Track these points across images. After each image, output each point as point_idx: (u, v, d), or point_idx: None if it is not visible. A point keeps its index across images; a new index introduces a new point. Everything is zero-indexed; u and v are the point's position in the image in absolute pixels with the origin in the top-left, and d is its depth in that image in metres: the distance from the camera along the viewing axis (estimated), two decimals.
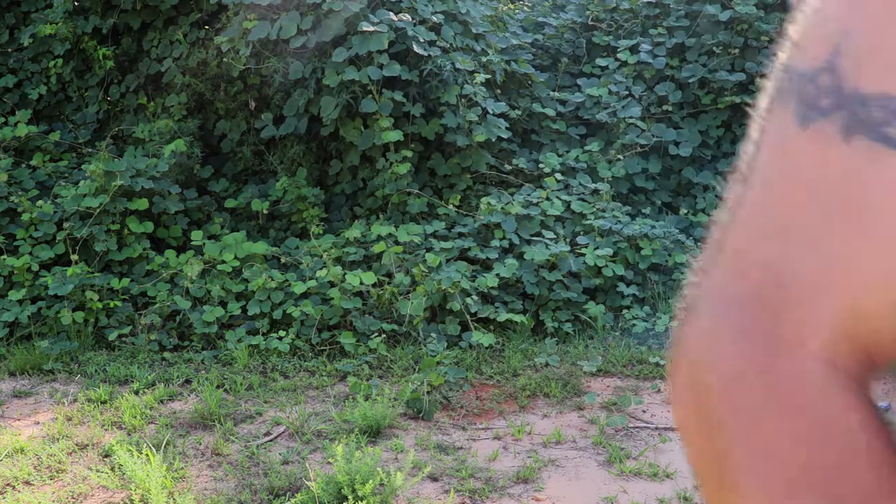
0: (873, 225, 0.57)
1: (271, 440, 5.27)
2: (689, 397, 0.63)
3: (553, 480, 4.74)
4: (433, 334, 6.46)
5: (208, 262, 7.18)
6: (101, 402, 5.77)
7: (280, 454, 5.06)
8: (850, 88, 0.58)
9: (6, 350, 6.66)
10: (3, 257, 7.20)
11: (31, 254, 7.26)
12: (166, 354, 6.57)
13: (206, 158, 8.38)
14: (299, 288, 6.75)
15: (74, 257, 7.11)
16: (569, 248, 6.99)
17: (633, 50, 8.62)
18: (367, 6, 7.49)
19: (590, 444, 5.15)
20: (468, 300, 6.61)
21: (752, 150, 0.65)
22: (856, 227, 0.58)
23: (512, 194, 7.65)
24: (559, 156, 8.08)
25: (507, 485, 4.69)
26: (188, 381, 6.14)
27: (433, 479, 4.74)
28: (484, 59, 7.95)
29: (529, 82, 8.45)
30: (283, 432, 5.36)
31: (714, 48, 8.33)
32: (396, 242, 7.07)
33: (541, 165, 7.85)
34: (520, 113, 8.21)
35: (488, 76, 7.78)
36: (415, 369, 6.11)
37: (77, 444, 5.18)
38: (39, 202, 7.45)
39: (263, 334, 6.66)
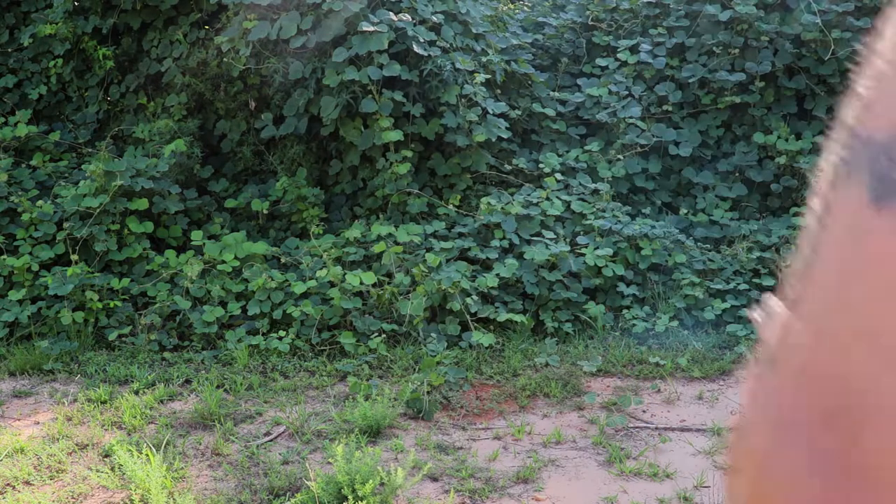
0: None
1: (271, 440, 5.27)
2: None
3: (553, 480, 4.74)
4: (433, 334, 6.46)
5: (208, 262, 7.18)
6: (101, 402, 5.77)
7: (280, 454, 5.06)
8: None
9: (6, 350, 6.66)
10: (3, 257, 7.20)
11: (31, 254, 7.26)
12: (166, 354, 6.57)
13: (206, 158, 8.38)
14: (299, 288, 6.75)
15: (74, 257, 7.11)
16: (569, 248, 6.98)
17: (633, 50, 8.62)
18: (367, 6, 7.49)
19: (590, 444, 5.15)
20: (468, 300, 6.61)
21: (815, 230, 0.57)
22: None
23: (512, 194, 7.65)
24: (559, 156, 8.08)
25: (507, 485, 4.69)
26: (188, 381, 6.14)
27: (433, 479, 4.74)
28: (484, 59, 7.95)
29: (529, 82, 8.45)
30: (283, 432, 5.36)
31: (714, 48, 8.32)
32: (396, 242, 7.07)
33: (541, 165, 7.85)
34: (520, 113, 8.21)
35: (488, 76, 7.78)
36: (415, 369, 6.11)
37: (77, 444, 5.18)
38: (39, 202, 7.45)
39: (263, 334, 6.66)
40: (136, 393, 5.91)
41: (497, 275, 6.83)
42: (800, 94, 8.32)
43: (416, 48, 7.36)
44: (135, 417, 5.50)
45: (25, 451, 5.07)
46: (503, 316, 6.64)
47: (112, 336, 6.71)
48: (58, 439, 5.25)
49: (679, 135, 8.16)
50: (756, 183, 7.99)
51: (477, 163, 7.71)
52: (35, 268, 7.13)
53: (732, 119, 8.31)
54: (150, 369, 6.32)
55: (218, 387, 5.93)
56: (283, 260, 7.30)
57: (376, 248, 6.98)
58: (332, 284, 6.79)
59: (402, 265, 6.91)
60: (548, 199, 7.48)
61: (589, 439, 5.21)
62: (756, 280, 7.02)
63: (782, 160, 7.80)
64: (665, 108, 8.25)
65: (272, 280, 6.89)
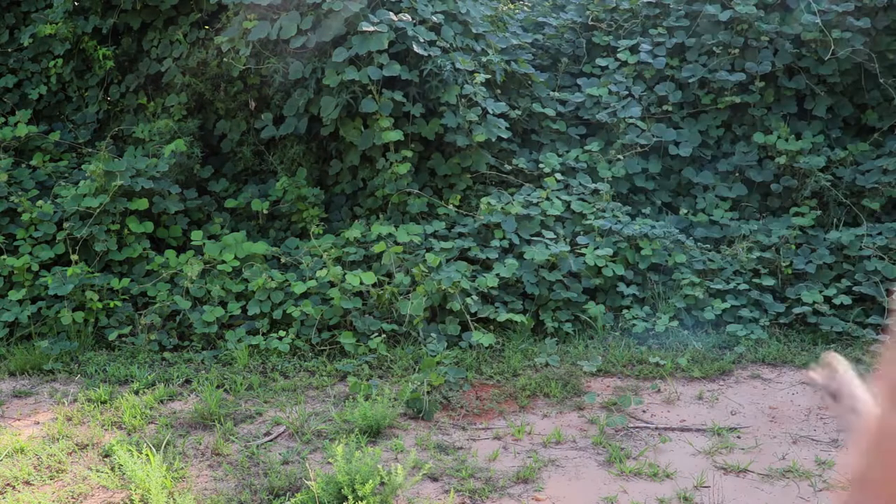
0: None
1: (271, 440, 5.27)
2: None
3: (553, 480, 4.74)
4: (433, 334, 6.46)
5: (208, 262, 7.18)
6: (101, 402, 5.77)
7: (280, 454, 5.06)
8: None
9: (6, 350, 6.66)
10: (3, 257, 7.20)
11: (31, 254, 7.27)
12: (166, 354, 6.57)
13: (206, 158, 8.39)
14: (299, 288, 6.76)
15: (74, 257, 7.11)
16: (569, 248, 6.99)
17: (633, 50, 8.62)
18: (367, 6, 7.49)
19: (590, 444, 5.15)
20: (468, 300, 6.61)
21: (888, 412, 0.52)
22: None
23: (512, 194, 7.65)
24: (559, 156, 8.08)
25: (507, 485, 4.69)
26: (188, 381, 6.14)
27: (433, 478, 4.74)
28: (484, 59, 7.95)
29: (529, 82, 8.45)
30: (283, 432, 5.36)
31: (714, 48, 8.32)
32: (396, 242, 7.07)
33: (541, 165, 7.85)
34: (520, 113, 8.21)
35: (488, 76, 7.79)
36: (415, 369, 6.11)
37: (77, 444, 5.18)
38: (39, 202, 7.46)
39: (263, 334, 6.66)
40: (136, 393, 5.91)
41: (497, 275, 6.83)
42: (800, 94, 8.32)
43: (416, 48, 7.36)
44: (135, 417, 5.50)
45: (25, 451, 5.07)
46: (503, 316, 6.64)
47: (112, 336, 6.71)
48: (58, 439, 5.25)
49: (679, 135, 8.16)
50: (756, 183, 7.99)
51: (477, 163, 7.72)
52: (35, 268, 7.13)
53: (732, 119, 8.32)
54: (150, 369, 6.32)
55: (218, 387, 5.94)
56: (283, 260, 7.30)
57: (376, 248, 6.98)
58: (332, 284, 6.79)
59: (402, 265, 6.91)
60: (548, 199, 7.49)
61: (589, 439, 5.21)
62: (756, 280, 7.02)
63: (782, 160, 7.80)
64: (665, 108, 8.25)
65: (272, 280, 6.89)
